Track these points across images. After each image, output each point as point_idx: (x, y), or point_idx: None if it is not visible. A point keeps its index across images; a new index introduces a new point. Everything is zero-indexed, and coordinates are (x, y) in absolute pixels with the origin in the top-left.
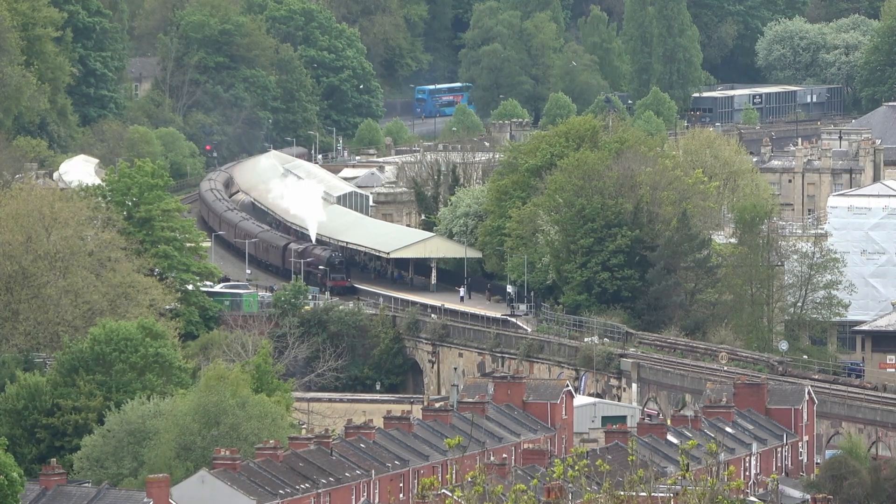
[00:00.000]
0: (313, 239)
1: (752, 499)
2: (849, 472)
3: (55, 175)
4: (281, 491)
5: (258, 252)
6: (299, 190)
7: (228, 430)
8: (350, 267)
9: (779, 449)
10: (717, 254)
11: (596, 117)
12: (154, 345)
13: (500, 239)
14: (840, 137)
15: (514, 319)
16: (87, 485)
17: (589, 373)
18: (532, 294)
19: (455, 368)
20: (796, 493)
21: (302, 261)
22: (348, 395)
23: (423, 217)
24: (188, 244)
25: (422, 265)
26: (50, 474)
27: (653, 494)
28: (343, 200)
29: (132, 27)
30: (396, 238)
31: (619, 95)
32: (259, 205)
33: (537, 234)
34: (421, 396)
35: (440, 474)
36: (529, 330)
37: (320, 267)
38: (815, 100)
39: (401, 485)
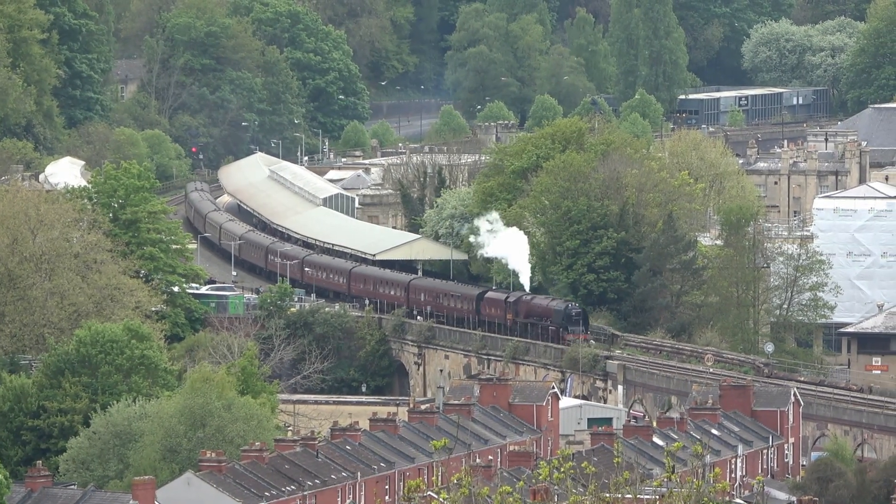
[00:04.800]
0: (527, 288)
1: (738, 501)
2: (834, 475)
3: (41, 177)
4: (266, 493)
5: (409, 299)
6: (504, 238)
7: (214, 433)
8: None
9: (764, 451)
10: (703, 256)
11: (582, 119)
12: (140, 347)
13: None
14: (826, 139)
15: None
16: (72, 487)
17: (575, 375)
18: None
19: (441, 370)
20: (782, 496)
21: (508, 310)
22: (334, 398)
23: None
24: (174, 246)
25: (408, 267)
26: (35, 476)
27: (638, 496)
28: (329, 202)
29: (118, 29)
30: (382, 240)
31: (605, 97)
32: (245, 206)
33: None
34: (407, 398)
35: (426, 476)
36: None
37: (552, 320)
38: (801, 102)
39: (387, 487)
